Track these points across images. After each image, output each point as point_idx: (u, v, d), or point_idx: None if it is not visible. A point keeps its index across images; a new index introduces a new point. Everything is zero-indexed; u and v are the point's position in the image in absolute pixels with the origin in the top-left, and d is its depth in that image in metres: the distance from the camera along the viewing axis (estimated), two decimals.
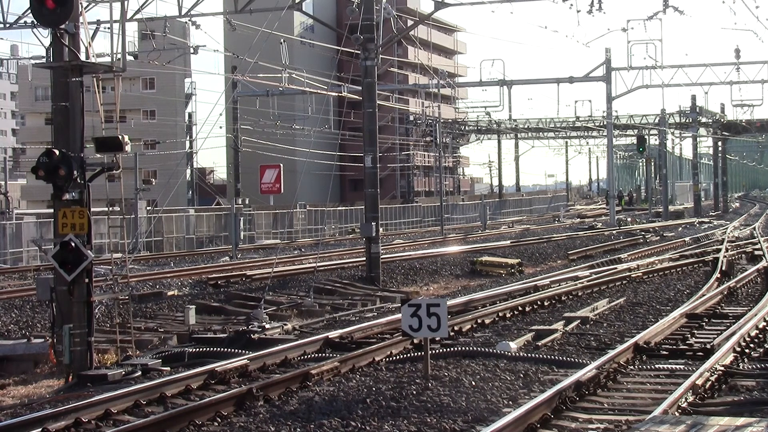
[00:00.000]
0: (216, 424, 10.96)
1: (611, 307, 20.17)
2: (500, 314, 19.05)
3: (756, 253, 32.29)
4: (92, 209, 15.22)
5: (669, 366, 13.50)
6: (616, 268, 27.87)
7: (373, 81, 28.81)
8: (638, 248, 38.83)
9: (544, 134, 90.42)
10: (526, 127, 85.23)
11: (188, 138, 69.55)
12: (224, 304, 23.44)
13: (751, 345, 14.69)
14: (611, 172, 64.91)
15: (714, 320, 17.91)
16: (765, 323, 16.41)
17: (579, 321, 17.99)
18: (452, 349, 14.86)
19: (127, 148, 15.17)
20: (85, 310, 15.04)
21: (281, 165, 57.50)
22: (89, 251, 14.87)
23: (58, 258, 14.84)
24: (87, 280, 15.03)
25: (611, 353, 13.65)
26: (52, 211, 15.80)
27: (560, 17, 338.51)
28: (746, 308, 19.11)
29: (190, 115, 73.60)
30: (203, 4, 57.63)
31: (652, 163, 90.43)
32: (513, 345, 15.11)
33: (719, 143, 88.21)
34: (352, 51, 33.69)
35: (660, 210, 73.66)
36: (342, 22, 56.53)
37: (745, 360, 13.71)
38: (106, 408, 11.57)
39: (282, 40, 44.35)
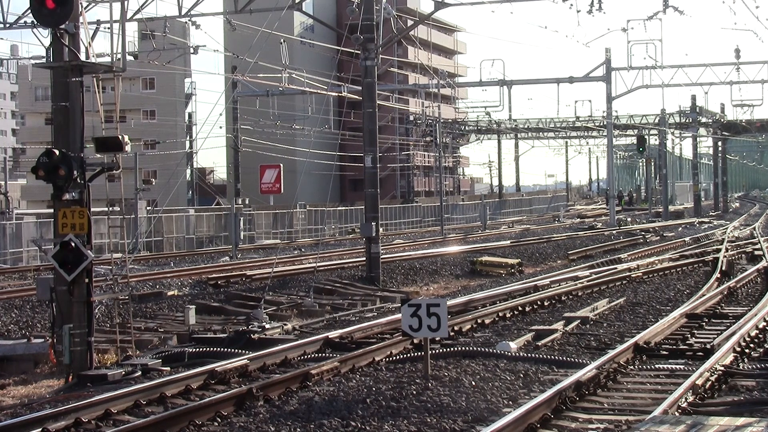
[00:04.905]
0: (216, 424, 10.97)
1: (611, 307, 20.17)
2: (500, 314, 19.05)
3: (756, 253, 32.28)
4: (92, 209, 15.22)
5: (669, 366, 13.51)
6: (616, 268, 27.87)
7: (373, 81, 28.80)
8: (638, 248, 38.82)
9: (544, 134, 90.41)
10: (526, 127, 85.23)
11: (188, 138, 69.55)
12: (224, 304, 23.44)
13: (751, 345, 14.69)
14: (611, 172, 64.91)
15: (714, 320, 17.91)
16: (765, 323, 16.42)
17: (579, 321, 17.99)
18: (452, 349, 14.86)
19: (127, 148, 15.17)
20: (85, 310, 15.04)
21: (281, 165, 57.48)
22: (89, 251, 14.87)
23: (58, 258, 14.84)
24: (87, 280, 15.03)
25: (611, 353, 13.65)
26: (52, 211, 15.80)
27: (560, 17, 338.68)
28: (746, 308, 19.11)
29: (190, 115, 73.61)
30: (203, 4, 57.64)
31: (652, 163, 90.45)
32: (513, 345, 15.11)
33: (719, 143, 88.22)
34: (352, 51, 33.67)
35: (660, 210, 73.66)
36: (342, 22, 56.53)
37: (745, 360, 13.71)
38: (106, 408, 11.57)
39: (282, 40, 44.32)
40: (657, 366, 13.55)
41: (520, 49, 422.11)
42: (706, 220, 65.44)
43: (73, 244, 14.75)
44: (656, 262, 30.49)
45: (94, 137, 15.35)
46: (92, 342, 15.13)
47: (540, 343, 15.65)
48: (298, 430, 10.44)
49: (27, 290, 24.52)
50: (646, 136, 77.60)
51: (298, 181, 61.67)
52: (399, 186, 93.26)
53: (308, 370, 13.14)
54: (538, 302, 20.69)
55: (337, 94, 53.95)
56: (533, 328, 17.26)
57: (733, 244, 37.19)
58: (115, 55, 15.99)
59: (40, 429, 10.67)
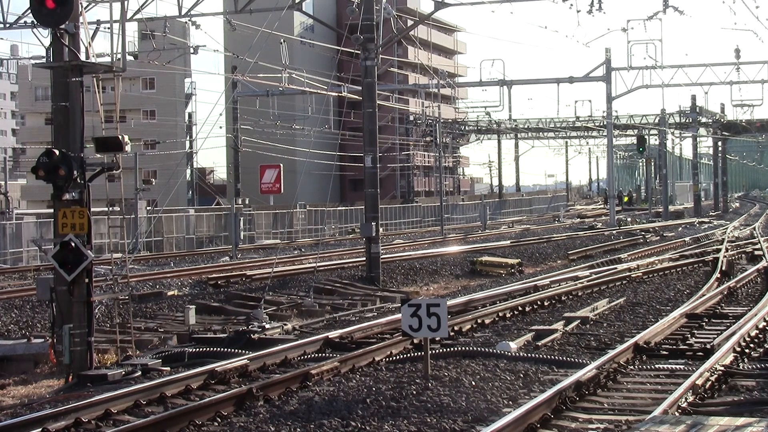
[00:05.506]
0: (216, 424, 10.96)
1: (611, 307, 20.16)
2: (500, 314, 19.05)
3: (756, 253, 32.28)
4: (92, 209, 15.22)
5: (669, 366, 13.50)
6: (616, 268, 27.86)
7: (373, 81, 28.80)
8: (638, 248, 38.82)
9: (544, 134, 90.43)
10: (526, 127, 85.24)
11: (188, 138, 69.55)
12: (224, 304, 23.43)
13: (751, 345, 14.69)
14: (611, 172, 64.90)
15: (714, 320, 17.91)
16: (765, 323, 16.42)
17: (579, 321, 17.98)
18: (452, 349, 14.86)
19: (127, 148, 15.17)
20: (85, 310, 15.04)
21: (281, 165, 57.49)
22: (89, 251, 14.87)
23: (58, 258, 14.84)
24: (87, 280, 15.03)
25: (611, 353, 13.65)
26: (52, 211, 15.80)
27: (560, 17, 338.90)
28: (746, 308, 19.11)
29: (190, 115, 73.61)
30: (203, 4, 57.63)
31: (652, 163, 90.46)
32: (513, 345, 15.10)
33: (719, 143, 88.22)
34: (352, 51, 33.68)
35: (660, 210, 73.67)
36: (342, 22, 56.52)
37: (745, 360, 13.71)
38: (106, 408, 11.57)
39: (282, 40, 44.32)
40: (657, 366, 13.54)
41: (520, 49, 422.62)
42: (706, 220, 65.44)
43: (73, 244, 14.74)
44: (656, 262, 30.49)
45: (94, 137, 15.35)
46: (92, 342, 15.13)
47: (540, 343, 15.65)
48: (298, 430, 10.44)
49: (27, 290, 24.52)
50: (646, 136, 77.62)
51: (298, 181, 61.68)
52: (399, 186, 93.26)
53: (308, 370, 13.14)
54: (538, 302, 20.69)
55: (337, 94, 53.94)
56: (533, 328, 17.25)
57: (733, 244, 37.19)
58: (115, 55, 15.99)
59: (40, 429, 10.67)
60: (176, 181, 52.62)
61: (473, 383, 12.30)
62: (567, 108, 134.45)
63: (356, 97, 43.43)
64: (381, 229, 31.55)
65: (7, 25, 26.50)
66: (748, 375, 12.65)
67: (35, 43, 67.94)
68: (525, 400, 11.18)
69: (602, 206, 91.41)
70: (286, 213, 57.18)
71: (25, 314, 21.47)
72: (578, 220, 72.32)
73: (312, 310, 22.98)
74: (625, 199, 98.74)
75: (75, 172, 14.81)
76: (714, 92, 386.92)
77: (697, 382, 11.53)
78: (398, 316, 14.86)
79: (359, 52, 28.71)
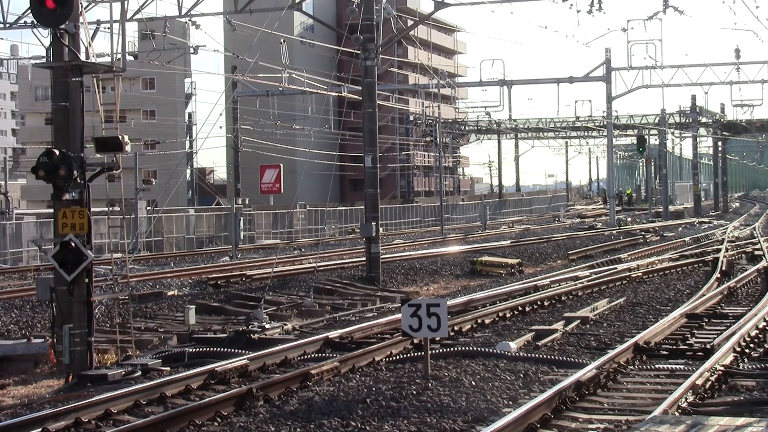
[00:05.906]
0: (216, 424, 10.97)
1: (611, 307, 20.17)
2: (500, 314, 19.05)
3: (756, 253, 32.28)
4: (92, 209, 15.22)
5: (669, 366, 13.51)
6: (616, 268, 27.86)
7: (373, 81, 28.80)
8: (638, 248, 38.82)
9: (544, 134, 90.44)
10: (526, 127, 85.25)
11: (188, 138, 69.55)
12: (224, 304, 23.44)
13: (751, 345, 14.69)
14: (611, 172, 64.90)
15: (714, 320, 17.91)
16: (765, 323, 16.42)
17: (579, 321, 17.99)
18: (452, 349, 14.86)
19: (127, 148, 15.17)
20: (85, 310, 15.04)
21: (281, 165, 57.50)
22: (89, 251, 14.87)
23: (58, 258, 14.84)
24: (87, 280, 15.03)
25: (611, 353, 13.65)
26: (52, 211, 15.80)
27: (560, 17, 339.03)
28: (746, 308, 19.11)
29: (190, 115, 73.58)
30: (203, 4, 57.62)
31: (652, 163, 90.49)
32: (513, 345, 15.11)
33: (719, 143, 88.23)
34: (352, 51, 33.69)
35: (660, 210, 73.68)
36: (342, 22, 56.50)
37: (745, 360, 13.71)
38: (106, 408, 11.57)
39: (282, 40, 44.33)
40: (657, 366, 13.55)
41: (520, 49, 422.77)
42: (706, 220, 65.44)
43: (73, 244, 14.75)
44: (656, 262, 30.49)
45: (94, 137, 15.35)
46: (92, 342, 15.13)
47: (540, 343, 15.65)
48: (298, 430, 10.44)
49: (27, 290, 24.52)
50: (646, 136, 77.63)
51: (298, 181, 61.72)
52: (399, 186, 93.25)
53: (308, 370, 13.14)
54: (538, 302, 20.69)
55: (337, 94, 53.93)
56: (533, 328, 17.26)
57: (733, 244, 37.19)
58: (115, 55, 15.99)
59: (40, 429, 10.67)
60: (176, 181, 52.54)
61: (473, 383, 12.30)
62: (567, 108, 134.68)
63: (356, 97, 43.42)
64: (381, 229, 31.54)
65: (7, 25, 26.52)
66: (748, 375, 12.65)
67: (35, 43, 68.07)
68: (525, 400, 11.18)
69: (602, 206, 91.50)
70: (286, 213, 57.19)
71: (25, 314, 21.47)
72: (578, 220, 72.34)
73: (312, 310, 22.97)
74: (628, 191, 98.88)
75: (75, 172, 14.81)
76: (714, 92, 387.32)
77: (697, 382, 11.53)
78: (398, 316, 14.87)
79: (359, 52, 28.71)
